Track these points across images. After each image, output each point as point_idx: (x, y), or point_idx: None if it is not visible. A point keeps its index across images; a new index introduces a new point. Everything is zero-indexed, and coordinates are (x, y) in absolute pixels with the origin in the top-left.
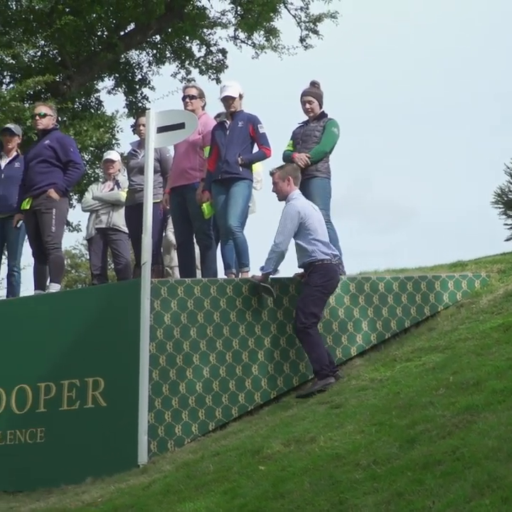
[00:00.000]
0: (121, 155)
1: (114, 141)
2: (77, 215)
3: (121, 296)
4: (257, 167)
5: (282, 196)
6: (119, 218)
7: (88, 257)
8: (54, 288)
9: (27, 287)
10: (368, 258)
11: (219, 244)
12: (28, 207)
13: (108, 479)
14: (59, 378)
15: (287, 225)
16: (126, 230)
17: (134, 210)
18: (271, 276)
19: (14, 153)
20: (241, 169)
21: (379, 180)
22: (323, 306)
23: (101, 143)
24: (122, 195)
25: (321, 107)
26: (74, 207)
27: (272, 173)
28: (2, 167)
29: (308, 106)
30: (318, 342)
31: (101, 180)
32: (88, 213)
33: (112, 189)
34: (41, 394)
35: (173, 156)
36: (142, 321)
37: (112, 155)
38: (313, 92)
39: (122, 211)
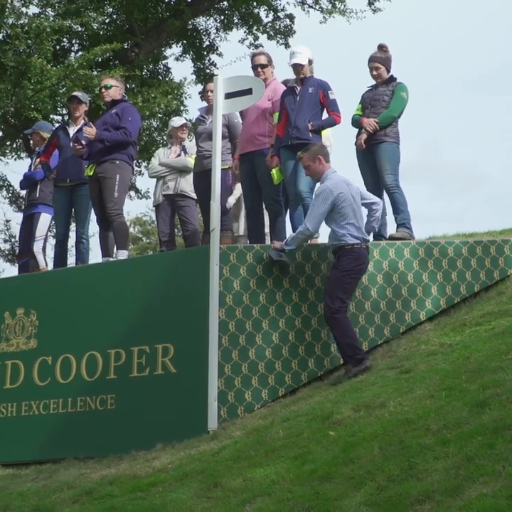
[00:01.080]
0: (189, 121)
1: (182, 108)
2: (145, 181)
3: (189, 263)
4: (326, 131)
5: (317, 177)
6: (186, 184)
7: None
8: (122, 255)
9: (96, 254)
10: (437, 223)
11: (288, 210)
12: (91, 173)
13: (178, 445)
14: (129, 345)
15: (320, 208)
16: (194, 195)
17: (202, 176)
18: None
19: (82, 121)
20: (311, 135)
21: (449, 145)
22: (352, 291)
23: (169, 109)
24: (189, 161)
25: (388, 72)
26: (142, 174)
27: (300, 158)
28: (71, 135)
29: (374, 72)
30: (347, 326)
31: (168, 146)
32: (155, 180)
33: (179, 155)
34: (111, 361)
35: (241, 122)
36: (211, 287)
37: (178, 121)
38: (379, 58)
39: (190, 177)
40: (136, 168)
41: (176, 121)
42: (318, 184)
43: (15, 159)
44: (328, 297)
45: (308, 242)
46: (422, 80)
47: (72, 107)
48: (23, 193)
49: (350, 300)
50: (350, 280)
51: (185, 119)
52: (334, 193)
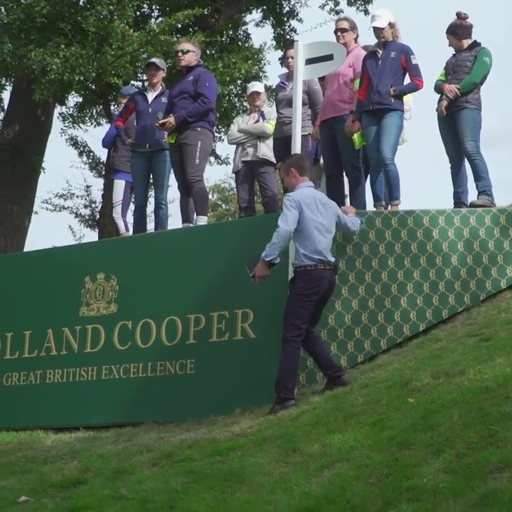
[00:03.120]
0: (269, 87)
1: (261, 74)
2: (224, 147)
3: (269, 229)
4: (407, 97)
5: (291, 190)
6: (267, 149)
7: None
8: (201, 221)
9: (175, 220)
10: None
11: (367, 176)
12: (173, 141)
13: (257, 410)
14: (208, 310)
15: (288, 211)
16: (273, 160)
17: (281, 142)
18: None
19: (160, 88)
20: (393, 100)
21: None
22: (307, 315)
23: (249, 75)
24: (267, 127)
25: (468, 38)
26: (222, 140)
27: (278, 169)
28: (149, 101)
29: (451, 42)
30: (291, 361)
31: (247, 112)
32: (235, 146)
33: (257, 121)
34: (191, 326)
35: (322, 89)
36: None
37: (257, 86)
38: (456, 27)
39: (269, 142)
40: (216, 135)
41: (250, 87)
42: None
43: (94, 126)
44: (284, 324)
45: (356, 227)
46: (509, 44)
47: (150, 74)
48: (104, 158)
49: (305, 325)
50: (303, 305)
51: (265, 86)
52: (296, 201)
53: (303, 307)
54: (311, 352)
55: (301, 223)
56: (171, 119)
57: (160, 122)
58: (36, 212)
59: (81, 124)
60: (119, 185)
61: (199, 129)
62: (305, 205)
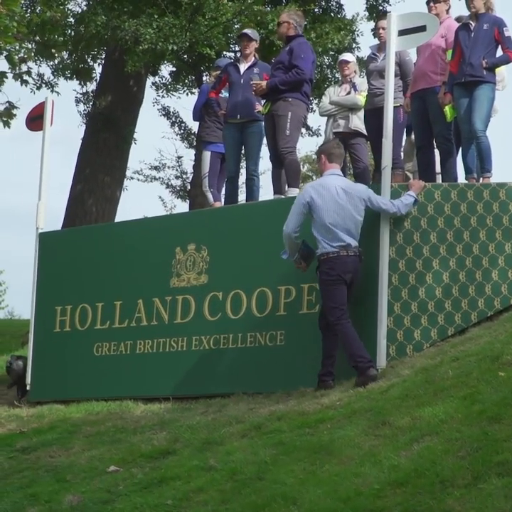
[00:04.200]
0: (361, 59)
1: (354, 45)
2: (316, 119)
3: None
4: (500, 69)
5: (320, 175)
6: (358, 121)
7: None
8: (293, 192)
9: (266, 192)
10: None
11: (459, 148)
12: (266, 111)
13: (346, 383)
14: (299, 282)
15: (294, 208)
16: (365, 132)
17: (373, 113)
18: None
19: (253, 59)
20: (484, 72)
21: None
22: (341, 296)
23: (341, 46)
24: (359, 98)
25: None
26: (313, 111)
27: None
28: (241, 72)
29: None
30: (351, 336)
31: (338, 83)
32: (326, 118)
33: (349, 92)
34: (281, 297)
35: (413, 60)
36: (382, 225)
37: (346, 56)
38: None
39: (361, 114)
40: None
41: (340, 57)
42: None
43: (187, 94)
44: (325, 310)
45: (396, 208)
46: None
47: (243, 45)
48: (195, 129)
49: (345, 305)
50: (334, 287)
51: (357, 57)
52: (306, 195)
53: (335, 289)
54: (323, 337)
55: (315, 213)
56: (263, 83)
57: (252, 82)
58: (128, 183)
59: (173, 93)
60: (206, 158)
61: (290, 99)
62: (318, 195)
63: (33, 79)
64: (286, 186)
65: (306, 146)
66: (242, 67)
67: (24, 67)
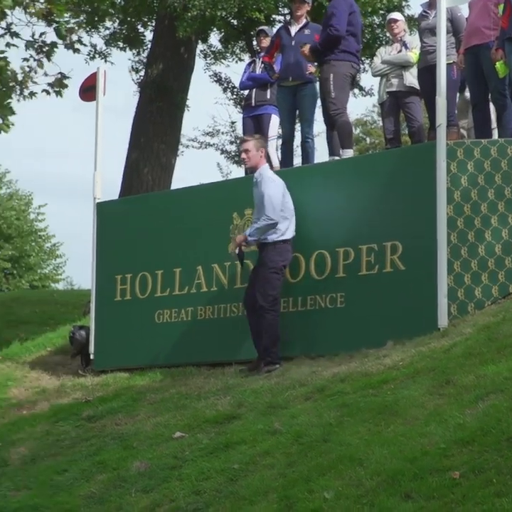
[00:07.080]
0: (412, 17)
1: (403, 3)
2: (369, 79)
3: (416, 160)
4: None
5: (251, 167)
6: (412, 78)
7: (379, 124)
8: (347, 153)
9: (321, 154)
10: None
11: None
12: (317, 74)
13: (408, 343)
14: (357, 243)
15: (279, 197)
16: (419, 88)
17: (426, 71)
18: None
19: (304, 21)
20: None
21: None
22: (281, 284)
23: (391, 5)
24: (411, 55)
25: None
26: (366, 71)
27: (244, 140)
28: (292, 34)
29: None
30: (275, 328)
31: (389, 43)
32: (379, 78)
33: (400, 51)
34: (340, 259)
35: (466, 16)
36: (438, 183)
37: (395, 15)
38: None
39: (414, 71)
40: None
41: (388, 16)
42: None
43: (236, 61)
44: (259, 295)
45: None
46: None
47: (295, 6)
48: (246, 93)
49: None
50: (277, 276)
51: (407, 15)
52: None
53: (279, 278)
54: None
55: (287, 199)
56: (306, 48)
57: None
58: (183, 150)
59: (223, 60)
60: (276, 120)
61: (331, 61)
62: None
63: (86, 46)
64: (340, 148)
65: (356, 109)
66: (294, 29)
67: (74, 37)
